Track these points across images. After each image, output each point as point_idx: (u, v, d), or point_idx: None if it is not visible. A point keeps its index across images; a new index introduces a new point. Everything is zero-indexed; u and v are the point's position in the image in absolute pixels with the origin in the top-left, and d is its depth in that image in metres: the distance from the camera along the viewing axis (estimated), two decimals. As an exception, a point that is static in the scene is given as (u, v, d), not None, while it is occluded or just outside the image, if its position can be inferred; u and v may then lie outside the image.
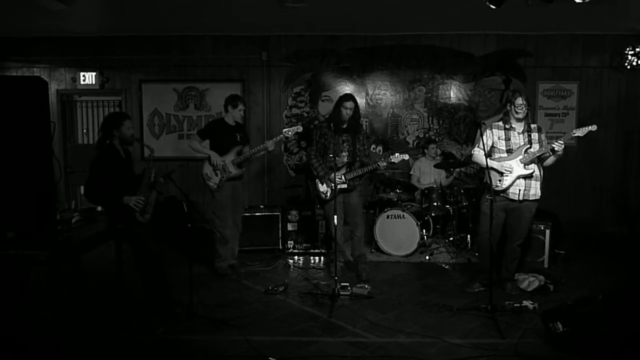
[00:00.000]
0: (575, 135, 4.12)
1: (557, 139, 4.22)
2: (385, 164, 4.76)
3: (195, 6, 5.64)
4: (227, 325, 3.82)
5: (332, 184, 4.79)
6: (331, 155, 4.75)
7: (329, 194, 4.91)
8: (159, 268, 4.01)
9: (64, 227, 3.58)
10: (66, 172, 7.08)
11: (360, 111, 5.18)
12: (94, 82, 7.21)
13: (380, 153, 7.18)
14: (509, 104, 4.34)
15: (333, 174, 4.67)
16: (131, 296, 4.20)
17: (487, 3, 4.25)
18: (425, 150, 6.65)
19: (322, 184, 4.94)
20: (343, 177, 4.84)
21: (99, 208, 4.24)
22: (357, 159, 4.91)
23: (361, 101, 7.06)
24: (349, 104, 4.82)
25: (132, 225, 3.89)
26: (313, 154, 5.01)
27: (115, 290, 4.20)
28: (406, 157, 4.82)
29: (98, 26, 6.76)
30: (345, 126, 4.88)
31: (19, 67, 7.22)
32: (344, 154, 4.92)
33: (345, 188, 4.88)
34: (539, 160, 4.31)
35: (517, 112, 4.27)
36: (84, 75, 7.19)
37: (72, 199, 7.19)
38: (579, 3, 4.18)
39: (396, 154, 4.78)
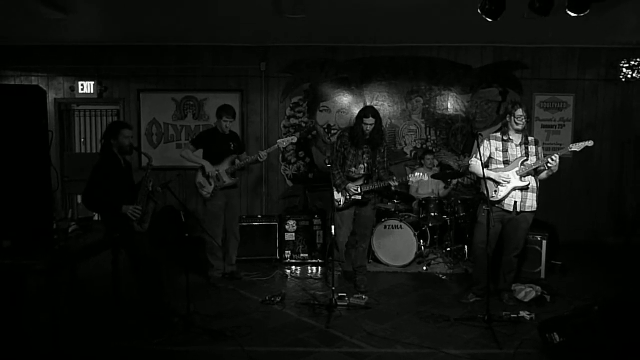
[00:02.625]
0: (572, 150, 4.12)
1: (553, 151, 4.24)
2: (396, 184, 4.77)
3: (195, 17, 5.67)
4: (224, 336, 3.80)
5: (347, 194, 4.79)
6: (353, 169, 4.79)
7: (342, 203, 4.89)
8: (157, 277, 4.01)
9: (60, 236, 3.57)
10: (63, 182, 7.06)
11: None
12: (92, 92, 7.21)
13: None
14: (508, 116, 4.36)
15: (349, 185, 4.73)
16: (128, 305, 4.18)
17: (484, 16, 4.28)
18: (423, 161, 6.67)
19: (338, 193, 4.89)
20: (359, 189, 4.80)
21: (96, 217, 4.24)
22: (376, 171, 4.86)
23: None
24: (369, 121, 4.64)
25: (129, 234, 3.88)
26: (334, 162, 4.86)
27: (113, 299, 4.18)
28: (425, 178, 4.81)
29: (97, 35, 6.77)
30: (367, 138, 4.76)
31: (17, 75, 7.23)
32: (361, 166, 4.86)
33: (359, 200, 4.85)
34: (536, 172, 4.33)
35: (516, 124, 4.29)
36: (82, 85, 7.20)
37: (69, 209, 7.18)
38: (574, 16, 4.21)
39: (416, 174, 4.76)
